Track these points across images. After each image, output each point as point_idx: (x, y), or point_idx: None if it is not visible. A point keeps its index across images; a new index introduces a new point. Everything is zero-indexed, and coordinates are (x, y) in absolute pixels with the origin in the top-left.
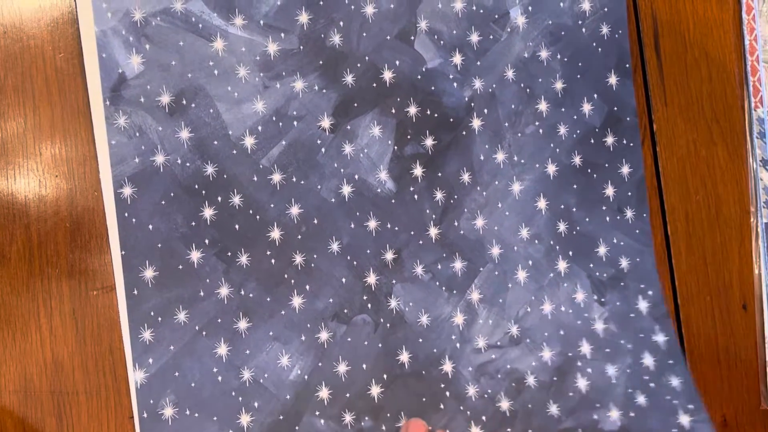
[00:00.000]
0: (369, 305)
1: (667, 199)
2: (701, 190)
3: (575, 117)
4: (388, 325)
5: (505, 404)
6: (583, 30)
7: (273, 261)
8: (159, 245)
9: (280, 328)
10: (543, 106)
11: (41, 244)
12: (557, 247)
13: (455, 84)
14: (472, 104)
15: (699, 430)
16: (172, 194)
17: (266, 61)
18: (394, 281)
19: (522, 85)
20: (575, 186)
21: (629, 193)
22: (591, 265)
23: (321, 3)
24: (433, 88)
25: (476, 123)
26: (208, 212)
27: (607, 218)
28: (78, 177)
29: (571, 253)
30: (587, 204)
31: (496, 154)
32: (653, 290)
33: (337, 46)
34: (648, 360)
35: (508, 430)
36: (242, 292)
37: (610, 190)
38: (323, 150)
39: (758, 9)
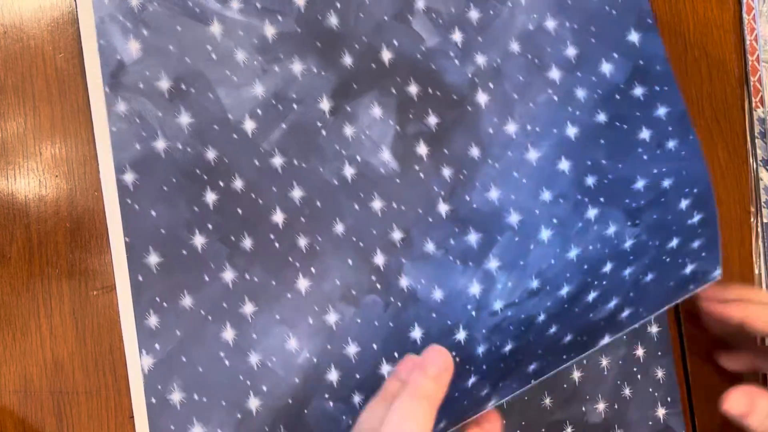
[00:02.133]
0: (378, 285)
1: None
2: None
3: (594, 78)
4: (399, 303)
5: (508, 347)
6: None
7: (277, 245)
8: (162, 231)
9: (286, 311)
10: (555, 74)
11: (41, 244)
12: (585, 200)
13: (456, 61)
14: (476, 80)
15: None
16: (174, 180)
17: (264, 44)
18: (403, 260)
19: (529, 56)
20: (602, 141)
21: (669, 128)
22: (626, 200)
23: None
24: (433, 66)
25: (482, 98)
26: (210, 197)
27: (645, 157)
28: (78, 177)
29: (602, 199)
30: (619, 153)
31: (507, 126)
32: (699, 187)
33: (335, 27)
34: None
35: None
36: (247, 276)
37: (645, 134)
38: (324, 132)
39: (758, 9)
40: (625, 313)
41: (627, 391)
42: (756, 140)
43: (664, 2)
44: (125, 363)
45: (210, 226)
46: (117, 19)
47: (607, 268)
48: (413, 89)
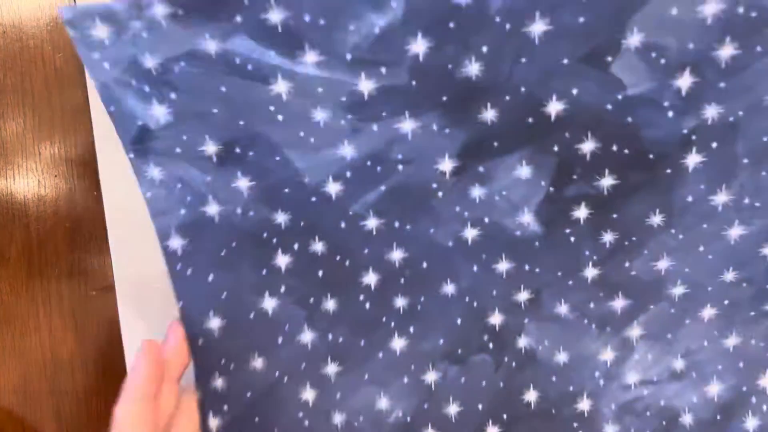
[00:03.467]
0: (490, 345)
1: None
2: None
3: None
4: (514, 364)
5: None
6: None
7: (367, 305)
8: (224, 295)
9: (377, 371)
10: None
11: (41, 244)
12: None
13: (671, 113)
14: (693, 137)
15: None
16: (234, 244)
17: (356, 101)
18: (526, 320)
19: None
20: None
21: None
22: None
23: (451, 25)
24: (629, 119)
25: (692, 159)
26: (282, 260)
27: None
28: (78, 177)
29: None
30: None
31: (715, 196)
32: None
33: (474, 77)
34: None
35: None
36: (330, 338)
37: None
38: (440, 194)
39: None
40: None
41: None
42: None
43: None
44: (125, 363)
45: (282, 289)
46: (128, 84)
47: (766, 382)
48: (588, 146)
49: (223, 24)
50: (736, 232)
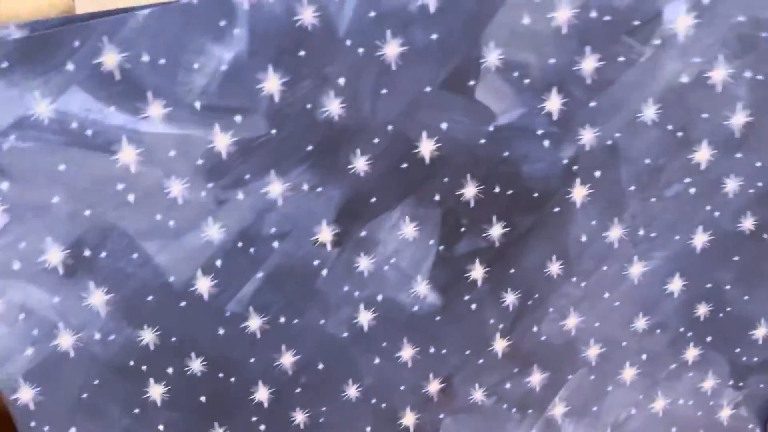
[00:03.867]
0: None
1: None
2: None
3: (759, 164)
4: None
5: None
6: None
7: (263, 427)
8: None
9: None
10: (703, 154)
11: None
12: (689, 334)
13: (547, 142)
14: (574, 168)
15: None
16: (96, 382)
17: (215, 163)
18: (441, 416)
19: (670, 127)
20: (736, 258)
21: None
22: (737, 350)
23: (302, 54)
24: (506, 153)
25: (578, 193)
26: (156, 391)
27: None
28: None
29: (709, 338)
30: (750, 280)
31: (609, 231)
32: None
33: (337, 117)
34: None
35: None
36: None
37: None
38: (324, 272)
39: None
40: None
41: None
42: None
43: None
44: None
45: (161, 427)
46: None
47: None
48: (469, 191)
49: (53, 75)
50: (636, 269)
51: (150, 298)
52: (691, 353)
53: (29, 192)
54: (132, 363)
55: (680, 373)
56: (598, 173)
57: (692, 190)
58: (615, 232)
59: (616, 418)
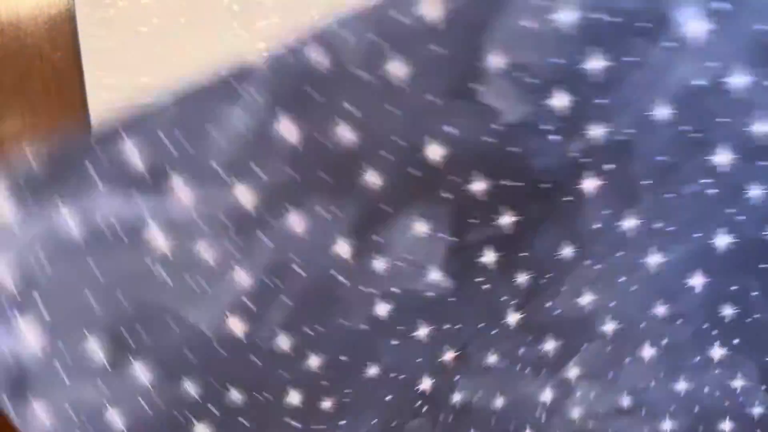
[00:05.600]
0: (424, 408)
1: None
2: None
3: None
4: (450, 418)
5: None
6: None
7: (295, 423)
8: None
9: None
10: (723, 158)
11: None
12: (713, 332)
13: (555, 137)
14: (584, 160)
15: None
16: None
17: (238, 215)
18: (457, 377)
19: (684, 128)
20: (763, 266)
21: None
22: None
23: (315, 95)
24: (513, 149)
25: (589, 184)
26: (200, 430)
27: None
28: None
29: (736, 341)
30: None
31: (622, 221)
32: None
33: (346, 141)
34: None
35: None
36: None
37: None
38: (342, 279)
39: None
40: None
41: None
42: None
43: None
44: None
45: None
46: None
47: (727, 427)
48: (479, 186)
49: (72, 178)
50: (654, 259)
51: (190, 356)
52: (717, 352)
53: (65, 303)
54: (176, 413)
55: (706, 367)
56: (609, 167)
57: (710, 192)
58: (629, 222)
59: (634, 386)
